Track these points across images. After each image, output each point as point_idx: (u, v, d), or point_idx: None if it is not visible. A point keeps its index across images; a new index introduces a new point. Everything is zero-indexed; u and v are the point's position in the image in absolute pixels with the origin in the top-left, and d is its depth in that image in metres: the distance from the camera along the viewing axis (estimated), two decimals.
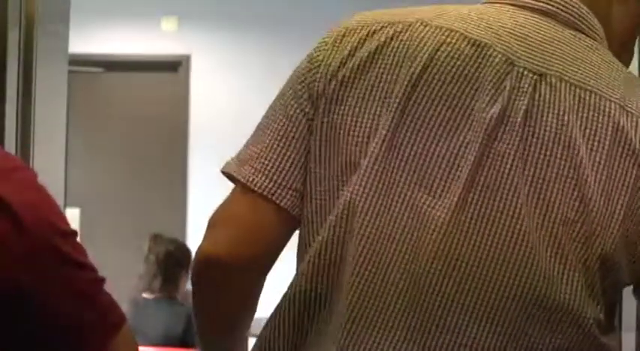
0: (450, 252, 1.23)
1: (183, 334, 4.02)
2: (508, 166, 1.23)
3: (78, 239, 1.19)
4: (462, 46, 1.27)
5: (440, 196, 1.24)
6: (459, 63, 1.26)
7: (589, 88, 1.26)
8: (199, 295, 1.36)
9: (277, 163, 1.28)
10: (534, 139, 1.24)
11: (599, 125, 1.24)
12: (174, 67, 5.90)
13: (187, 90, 5.87)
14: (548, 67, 1.27)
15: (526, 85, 1.25)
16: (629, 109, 1.25)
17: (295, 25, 5.67)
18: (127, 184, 5.86)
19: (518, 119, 1.24)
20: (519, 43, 1.28)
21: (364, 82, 1.28)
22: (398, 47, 1.28)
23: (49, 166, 1.87)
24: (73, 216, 5.41)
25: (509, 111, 1.24)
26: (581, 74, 1.27)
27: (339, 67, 1.29)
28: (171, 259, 4.11)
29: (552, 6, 1.32)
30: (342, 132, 1.27)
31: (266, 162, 1.28)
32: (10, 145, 1.80)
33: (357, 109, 1.27)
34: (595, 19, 1.33)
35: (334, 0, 5.50)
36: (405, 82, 1.26)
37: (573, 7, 1.32)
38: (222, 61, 5.85)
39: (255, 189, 1.27)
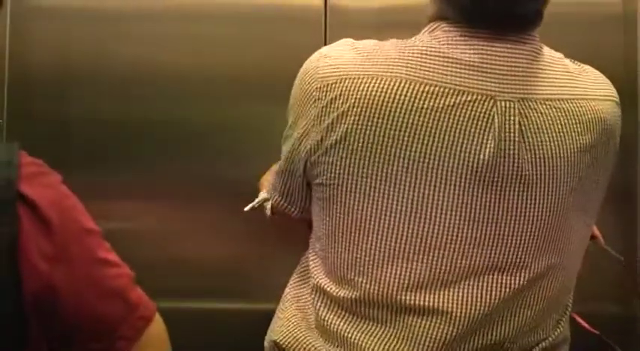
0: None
1: None
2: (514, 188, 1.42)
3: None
4: (434, 90, 1.39)
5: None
6: (439, 106, 1.39)
7: (556, 97, 1.42)
8: None
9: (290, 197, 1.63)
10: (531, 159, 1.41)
11: (578, 125, 1.43)
12: None
13: None
14: (527, 92, 1.40)
15: (514, 115, 1.39)
16: (590, 97, 1.46)
17: None
18: None
19: (512, 150, 1.40)
20: (480, 74, 1.40)
21: (370, 117, 1.41)
22: (380, 97, 1.41)
23: None
24: None
25: (502, 144, 1.39)
26: (543, 89, 1.42)
27: (345, 113, 1.43)
28: None
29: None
30: (372, 149, 1.43)
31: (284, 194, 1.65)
32: None
33: (377, 138, 1.42)
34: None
35: None
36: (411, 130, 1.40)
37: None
38: None
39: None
